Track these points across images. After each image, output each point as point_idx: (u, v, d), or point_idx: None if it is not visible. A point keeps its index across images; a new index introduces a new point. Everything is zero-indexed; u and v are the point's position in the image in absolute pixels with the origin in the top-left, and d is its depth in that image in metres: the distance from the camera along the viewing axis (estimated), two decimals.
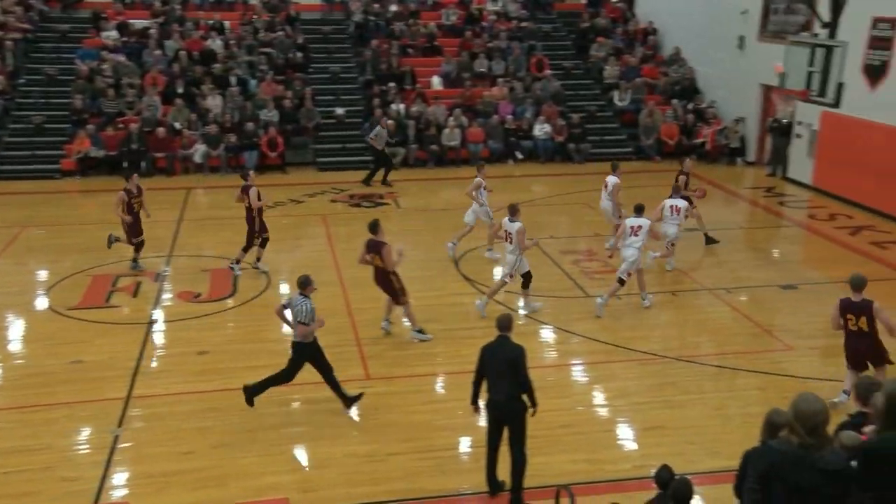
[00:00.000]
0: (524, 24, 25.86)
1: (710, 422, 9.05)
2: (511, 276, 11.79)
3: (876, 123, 16.84)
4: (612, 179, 14.53)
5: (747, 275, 13.54)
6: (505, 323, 7.62)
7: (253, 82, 22.85)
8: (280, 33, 24.06)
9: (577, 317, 11.91)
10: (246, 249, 13.62)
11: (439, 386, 10.10)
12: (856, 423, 5.50)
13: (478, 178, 14.31)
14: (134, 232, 13.60)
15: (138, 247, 13.73)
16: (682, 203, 13.41)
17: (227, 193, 19.22)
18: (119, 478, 8.11)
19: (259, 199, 13.42)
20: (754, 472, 4.73)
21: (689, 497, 5.71)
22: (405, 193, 19.08)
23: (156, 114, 21.22)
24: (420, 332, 11.07)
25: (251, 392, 9.02)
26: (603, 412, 9.44)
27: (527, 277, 11.88)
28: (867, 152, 16.99)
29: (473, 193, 14.23)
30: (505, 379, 7.42)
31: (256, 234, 13.58)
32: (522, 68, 24.18)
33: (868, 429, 5.29)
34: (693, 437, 8.69)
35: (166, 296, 12.86)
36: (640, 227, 11.84)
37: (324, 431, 8.89)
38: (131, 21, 24.10)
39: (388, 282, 10.92)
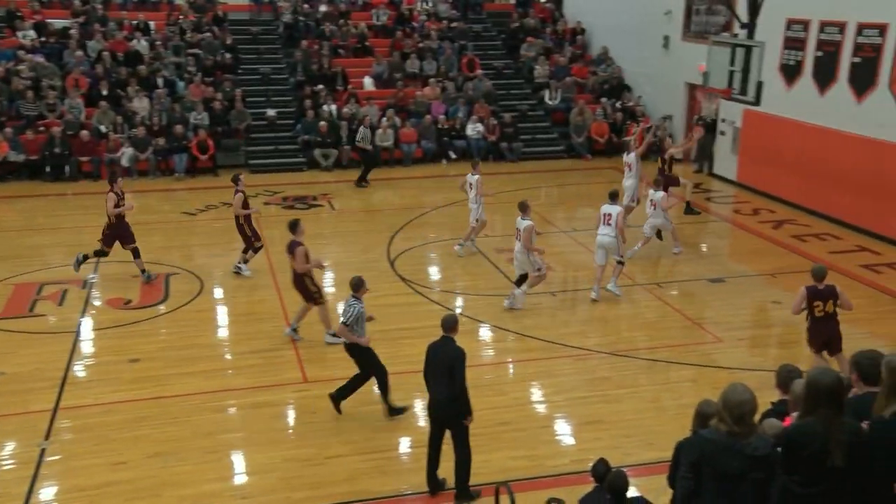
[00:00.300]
0: (454, 24, 25.97)
1: (646, 414, 9.23)
2: (540, 270, 11.88)
3: (793, 121, 17.45)
4: (615, 209, 12.51)
5: (678, 269, 13.87)
6: (449, 324, 7.62)
7: (181, 84, 22.39)
8: (208, 34, 23.61)
9: (513, 314, 12.00)
10: (246, 251, 13.51)
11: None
12: (779, 410, 5.67)
13: (478, 176, 14.40)
14: (129, 238, 13.11)
15: (136, 253, 13.19)
16: (657, 196, 13.57)
17: (156, 197, 18.87)
18: (47, 492, 7.85)
19: (244, 206, 13.18)
20: (686, 460, 4.88)
21: (625, 489, 5.82)
22: (339, 195, 18.96)
23: (79, 116, 20.59)
24: (334, 335, 10.95)
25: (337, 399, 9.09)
26: (541, 409, 9.54)
27: (523, 278, 11.95)
28: (786, 149, 17.59)
29: (466, 189, 14.46)
30: (444, 380, 7.44)
31: (251, 237, 13.41)
32: (454, 68, 24.27)
33: (794, 415, 5.49)
34: (629, 430, 8.85)
35: (95, 303, 12.48)
36: (610, 214, 12.20)
37: (261, 437, 8.76)
38: (49, 21, 23.32)
39: (302, 284, 10.81)
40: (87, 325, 11.71)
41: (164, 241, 15.58)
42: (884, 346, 9.60)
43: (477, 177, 14.39)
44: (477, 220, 14.47)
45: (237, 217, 13.27)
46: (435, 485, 7.73)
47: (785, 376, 5.87)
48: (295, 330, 11.12)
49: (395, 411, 9.08)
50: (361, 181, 19.69)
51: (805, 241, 15.36)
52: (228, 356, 10.80)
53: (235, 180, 13.39)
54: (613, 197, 12.46)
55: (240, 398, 9.57)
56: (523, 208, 11.77)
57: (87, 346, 11.13)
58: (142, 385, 9.85)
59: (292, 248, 10.64)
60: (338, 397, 9.11)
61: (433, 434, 7.64)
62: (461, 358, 7.47)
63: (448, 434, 7.56)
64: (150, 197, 18.68)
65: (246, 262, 13.55)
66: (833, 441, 4.42)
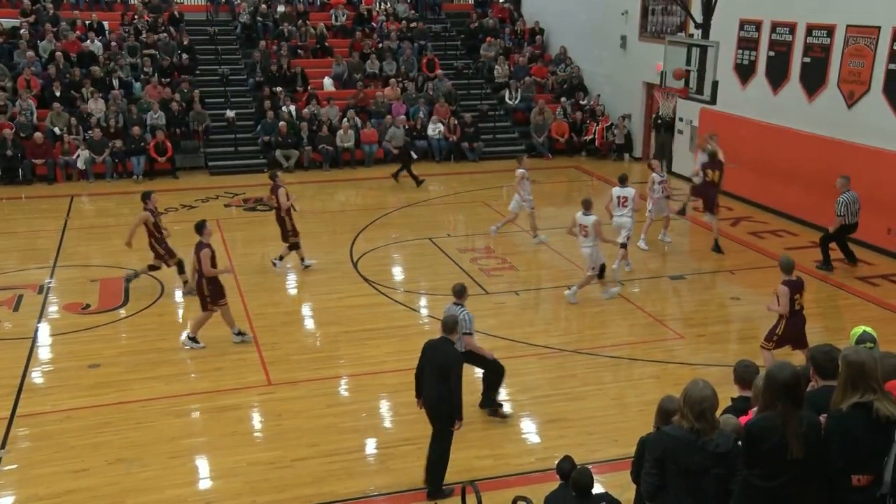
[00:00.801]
0: (413, 24, 25.97)
1: (610, 412, 9.32)
2: (594, 269, 12.12)
3: (747, 119, 17.77)
4: (630, 191, 13.41)
5: (639, 267, 14.03)
6: (448, 326, 7.63)
7: (137, 85, 22.05)
8: (164, 34, 23.28)
9: (477, 314, 11.98)
10: (292, 246, 13.64)
11: (343, 389, 10.01)
12: (738, 406, 5.76)
13: (521, 170, 14.74)
14: (170, 253, 12.77)
15: (180, 268, 12.84)
16: (629, 192, 13.55)
17: (115, 200, 18.56)
18: (4, 502, 7.67)
19: (287, 198, 13.34)
20: (650, 456, 4.96)
21: (590, 486, 5.88)
22: (301, 196, 18.76)
23: (31, 118, 20.16)
24: (193, 339, 10.85)
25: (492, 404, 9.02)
26: (506, 407, 9.57)
27: (602, 268, 12.25)
28: (741, 147, 17.87)
29: (518, 185, 14.75)
30: (437, 381, 7.45)
31: (290, 232, 13.48)
32: (414, 68, 24.27)
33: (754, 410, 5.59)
34: (593, 428, 8.93)
35: (52, 308, 12.24)
36: (626, 197, 12.98)
37: (225, 440, 8.68)
38: None
39: (199, 286, 10.73)
40: (44, 331, 11.48)
41: (124, 244, 15.31)
42: (838, 339, 9.84)
43: (521, 171, 14.78)
44: (532, 209, 15.00)
45: (279, 210, 13.39)
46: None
47: (742, 372, 5.98)
48: (240, 333, 11.04)
49: (493, 407, 9.08)
50: (413, 179, 19.55)
51: (762, 237, 15.65)
52: (191, 360, 10.66)
53: (273, 177, 13.72)
54: (623, 181, 13.34)
55: (203, 402, 9.46)
56: (587, 205, 11.97)
57: (44, 352, 10.89)
58: (102, 390, 9.69)
59: (198, 249, 10.55)
60: (489, 404, 9.03)
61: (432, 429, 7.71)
62: (457, 362, 7.47)
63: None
64: (108, 200, 18.39)
65: (282, 258, 13.77)
66: (791, 434, 4.50)
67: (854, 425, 4.53)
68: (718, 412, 5.22)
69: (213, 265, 10.61)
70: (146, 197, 12.62)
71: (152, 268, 12.82)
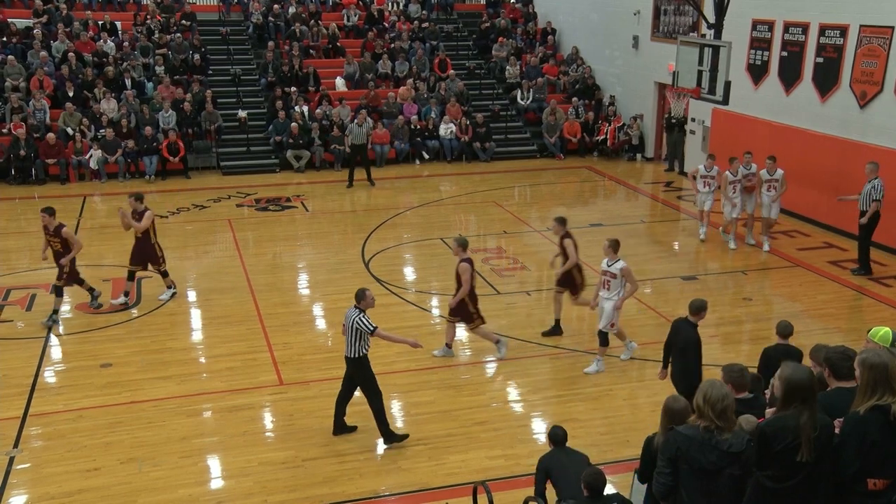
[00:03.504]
0: (425, 24, 25.96)
1: (621, 412, 9.29)
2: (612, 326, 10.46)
3: (760, 119, 17.67)
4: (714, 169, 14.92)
5: (651, 267, 13.96)
6: (697, 307, 8.28)
7: (149, 85, 22.14)
8: (176, 35, 23.37)
9: (489, 314, 11.99)
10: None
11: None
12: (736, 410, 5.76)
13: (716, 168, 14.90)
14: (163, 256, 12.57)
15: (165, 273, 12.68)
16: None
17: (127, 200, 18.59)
18: (16, 501, 7.71)
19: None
20: (663, 456, 4.93)
21: (602, 488, 5.85)
22: (313, 196, 18.86)
23: (44, 118, 20.27)
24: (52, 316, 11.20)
25: None
26: (518, 408, 9.56)
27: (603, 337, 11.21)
28: (754, 148, 17.74)
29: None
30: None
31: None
32: (426, 68, 24.26)
33: (770, 410, 5.55)
34: (605, 428, 8.90)
35: (65, 308, 12.29)
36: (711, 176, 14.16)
37: (236, 440, 8.69)
38: (11, 20, 22.92)
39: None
40: (56, 330, 11.52)
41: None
42: (849, 340, 9.77)
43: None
44: (742, 209, 14.91)
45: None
46: None
47: (737, 376, 6.02)
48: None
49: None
50: (369, 180, 19.48)
51: (774, 238, 15.54)
52: (203, 359, 10.70)
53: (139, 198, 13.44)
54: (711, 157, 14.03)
55: (215, 402, 9.48)
56: (615, 247, 10.15)
57: (56, 352, 10.95)
58: (114, 390, 9.72)
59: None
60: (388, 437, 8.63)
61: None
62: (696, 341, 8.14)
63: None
64: (120, 200, 18.43)
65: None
66: (804, 436, 4.48)
67: (871, 428, 4.49)
68: None
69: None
70: (142, 197, 12.53)
71: (165, 274, 12.70)
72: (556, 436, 6.82)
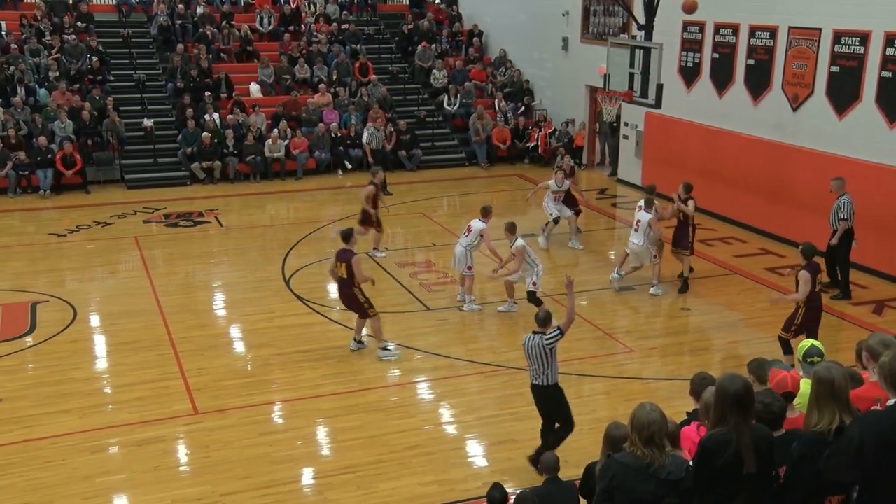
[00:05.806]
0: (345, 26, 25.87)
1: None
2: (656, 257, 13.41)
3: (693, 123, 18.17)
4: (645, 216, 13.30)
5: (586, 278, 14.16)
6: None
7: (42, 92, 21.43)
8: (72, 37, 22.70)
9: (418, 332, 12.00)
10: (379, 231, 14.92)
11: (277, 415, 9.84)
12: (694, 419, 5.82)
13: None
14: None
15: None
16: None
17: (19, 217, 18.00)
18: None
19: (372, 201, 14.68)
20: (599, 486, 4.95)
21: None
22: (227, 210, 18.54)
23: None
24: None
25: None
26: (451, 430, 9.54)
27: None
28: (688, 152, 18.28)
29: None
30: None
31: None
32: (347, 73, 24.16)
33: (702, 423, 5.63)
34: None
35: None
36: (640, 220, 13.29)
37: (147, 476, 8.43)
38: None
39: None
40: None
41: (29, 265, 14.88)
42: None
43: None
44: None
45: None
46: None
47: (699, 384, 6.05)
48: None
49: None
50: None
51: (711, 245, 15.97)
52: (108, 389, 10.37)
53: (374, 172, 15.16)
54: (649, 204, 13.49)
55: (123, 435, 9.18)
56: (649, 203, 13.20)
57: None
58: (6, 427, 9.32)
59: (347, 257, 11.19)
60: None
61: None
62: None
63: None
64: (11, 217, 17.82)
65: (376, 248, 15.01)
66: (745, 447, 4.54)
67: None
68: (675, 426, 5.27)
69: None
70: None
71: None
72: (493, 500, 6.39)
